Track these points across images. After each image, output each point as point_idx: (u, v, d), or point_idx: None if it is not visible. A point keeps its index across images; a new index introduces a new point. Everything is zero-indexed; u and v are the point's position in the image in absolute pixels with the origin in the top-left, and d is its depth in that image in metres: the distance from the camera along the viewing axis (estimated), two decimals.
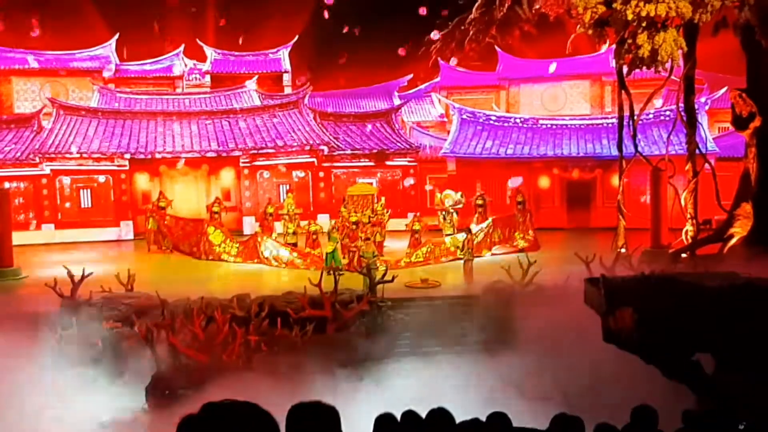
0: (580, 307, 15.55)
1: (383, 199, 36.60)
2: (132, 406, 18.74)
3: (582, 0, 23.63)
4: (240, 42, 67.29)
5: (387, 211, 34.95)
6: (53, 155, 40.84)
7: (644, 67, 23.62)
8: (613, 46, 25.66)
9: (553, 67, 58.62)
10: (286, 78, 64.23)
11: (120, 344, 20.34)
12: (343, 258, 29.77)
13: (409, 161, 45.16)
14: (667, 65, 23.88)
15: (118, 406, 18.52)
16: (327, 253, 29.34)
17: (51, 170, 41.03)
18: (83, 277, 22.73)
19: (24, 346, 19.52)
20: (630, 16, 22.37)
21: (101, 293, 22.82)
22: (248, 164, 43.11)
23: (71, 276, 22.67)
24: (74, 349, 19.87)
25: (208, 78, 62.80)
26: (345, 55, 60.12)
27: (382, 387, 18.04)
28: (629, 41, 23.29)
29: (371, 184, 42.36)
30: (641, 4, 22.11)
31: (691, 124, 28.06)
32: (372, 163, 44.78)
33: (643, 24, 22.55)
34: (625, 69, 25.81)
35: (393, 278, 23.55)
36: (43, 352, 19.70)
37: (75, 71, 59.38)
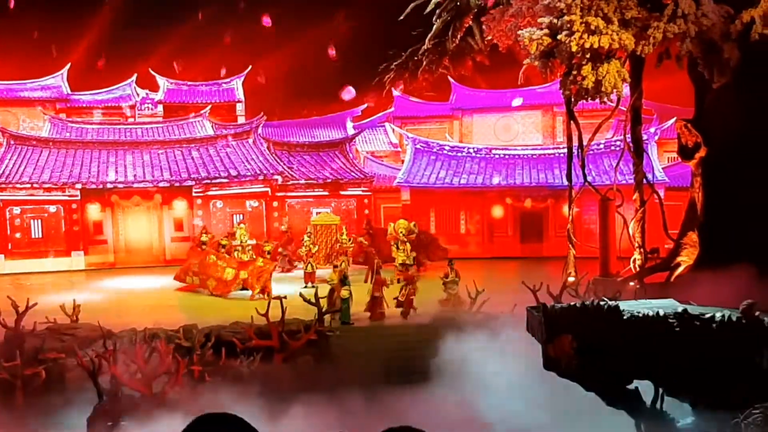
0: (524, 335, 15.64)
1: (344, 228, 36.86)
2: None
3: (528, 31, 23.82)
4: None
5: (350, 240, 35.37)
6: (3, 185, 40.47)
7: (589, 98, 23.81)
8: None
9: (517, 102, 59.59)
10: (240, 107, 64.22)
11: (63, 375, 20.09)
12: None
13: (363, 191, 45.30)
14: (613, 96, 24.09)
15: None
16: (344, 299, 25.24)
17: (1, 200, 40.55)
18: (27, 308, 22.34)
19: None
20: (574, 48, 22.58)
21: (45, 324, 22.50)
22: (201, 194, 42.92)
23: (15, 307, 22.29)
24: (17, 380, 19.60)
25: (160, 108, 62.54)
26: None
27: (326, 416, 17.94)
28: (574, 72, 23.47)
29: (327, 213, 42.44)
30: (585, 35, 22.32)
31: (638, 153, 28.36)
32: (326, 193, 44.85)
33: (588, 55, 22.80)
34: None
35: (341, 308, 23.54)
36: None
37: (25, 101, 59.03)
